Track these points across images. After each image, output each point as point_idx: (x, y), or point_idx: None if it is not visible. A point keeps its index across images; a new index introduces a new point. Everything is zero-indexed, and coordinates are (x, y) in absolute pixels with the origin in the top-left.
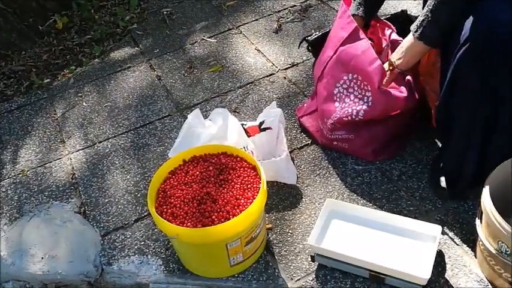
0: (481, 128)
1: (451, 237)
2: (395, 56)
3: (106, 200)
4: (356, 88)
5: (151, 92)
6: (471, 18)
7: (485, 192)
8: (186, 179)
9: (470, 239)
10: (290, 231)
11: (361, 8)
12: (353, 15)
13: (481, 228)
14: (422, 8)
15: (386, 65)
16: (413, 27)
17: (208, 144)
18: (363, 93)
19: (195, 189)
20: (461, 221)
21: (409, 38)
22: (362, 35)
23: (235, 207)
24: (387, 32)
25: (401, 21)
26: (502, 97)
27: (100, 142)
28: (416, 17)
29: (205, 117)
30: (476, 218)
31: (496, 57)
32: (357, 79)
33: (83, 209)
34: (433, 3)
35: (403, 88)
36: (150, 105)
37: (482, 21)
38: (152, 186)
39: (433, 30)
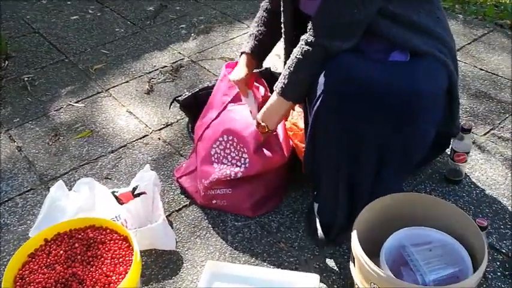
0: (346, 175)
1: (330, 284)
2: (263, 117)
3: None
4: (232, 149)
5: (10, 166)
6: (325, 72)
7: (354, 237)
8: (49, 260)
9: (348, 283)
10: None
11: (255, 51)
12: (245, 52)
13: (355, 272)
14: (287, 36)
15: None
16: (276, 85)
17: (74, 219)
18: (240, 155)
19: (58, 272)
20: (339, 266)
21: (273, 97)
22: (243, 100)
23: (106, 285)
24: (261, 89)
25: (266, 79)
26: (360, 146)
27: None
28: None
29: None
30: (350, 262)
31: (347, 111)
32: (233, 141)
33: None
34: (291, 61)
35: (275, 146)
36: (9, 180)
37: (334, 76)
38: (7, 274)
39: (295, 87)
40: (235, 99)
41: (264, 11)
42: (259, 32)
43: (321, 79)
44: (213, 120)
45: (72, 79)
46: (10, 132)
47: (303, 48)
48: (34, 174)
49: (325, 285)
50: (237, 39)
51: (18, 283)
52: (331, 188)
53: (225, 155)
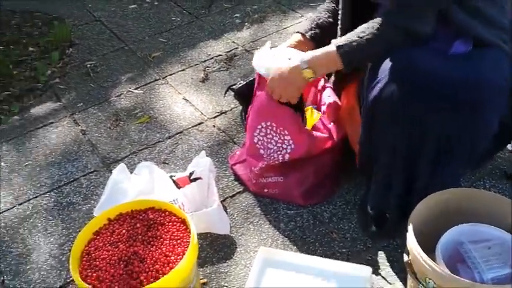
0: (403, 167)
1: (383, 277)
2: (311, 62)
3: (27, 267)
4: (274, 134)
5: (75, 148)
6: (391, 59)
7: (409, 231)
8: (112, 238)
9: (401, 277)
10: (226, 284)
11: (309, 32)
12: (298, 32)
13: (409, 266)
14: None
15: (298, 62)
16: (337, 42)
17: (135, 200)
18: (282, 138)
19: (121, 249)
20: (392, 259)
21: (330, 50)
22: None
23: (165, 265)
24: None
25: None
26: (420, 137)
27: (20, 204)
28: None
29: (133, 171)
30: (404, 256)
31: (410, 100)
32: (272, 125)
33: (2, 278)
34: (367, 30)
35: (322, 129)
36: (74, 162)
37: (399, 64)
38: (75, 249)
39: (357, 54)
40: (259, 85)
41: (329, 1)
42: (318, 17)
43: (386, 65)
44: (250, 109)
45: (131, 66)
46: (74, 116)
47: (381, 23)
48: (97, 156)
49: (377, 278)
50: (290, 29)
51: (84, 258)
52: (385, 179)
53: (268, 140)
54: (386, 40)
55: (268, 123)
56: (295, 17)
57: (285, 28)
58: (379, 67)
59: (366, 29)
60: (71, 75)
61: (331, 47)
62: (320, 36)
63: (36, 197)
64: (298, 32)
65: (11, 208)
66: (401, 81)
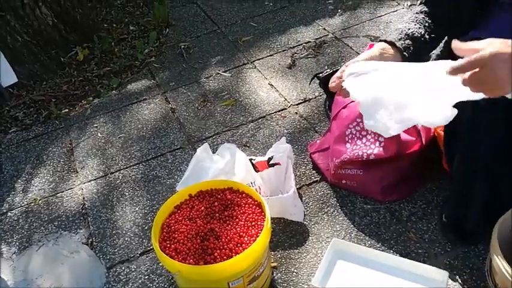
0: (488, 172)
1: (460, 283)
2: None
3: (114, 232)
4: (369, 131)
5: (164, 125)
6: None
7: (494, 239)
8: (191, 214)
9: (480, 285)
10: (295, 270)
11: (399, 42)
12: (385, 41)
13: (490, 275)
14: None
15: None
16: None
17: (215, 180)
18: (376, 137)
19: (199, 225)
20: (471, 266)
21: None
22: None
23: (238, 244)
24: None
25: None
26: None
27: (112, 173)
28: None
29: (216, 151)
30: (486, 265)
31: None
32: None
33: (91, 240)
34: None
35: (412, 131)
36: (162, 138)
37: None
38: (157, 220)
39: None
40: None
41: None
42: (408, 28)
43: None
44: (352, 101)
45: (222, 49)
46: (166, 94)
47: None
48: (183, 134)
49: (453, 284)
50: (385, 17)
51: (165, 230)
52: (465, 185)
53: (361, 136)
54: None
55: None
56: (391, 5)
57: (380, 16)
58: None
59: None
60: (166, 55)
61: None
62: (413, 48)
63: (126, 168)
64: (384, 40)
65: (104, 176)
66: None
